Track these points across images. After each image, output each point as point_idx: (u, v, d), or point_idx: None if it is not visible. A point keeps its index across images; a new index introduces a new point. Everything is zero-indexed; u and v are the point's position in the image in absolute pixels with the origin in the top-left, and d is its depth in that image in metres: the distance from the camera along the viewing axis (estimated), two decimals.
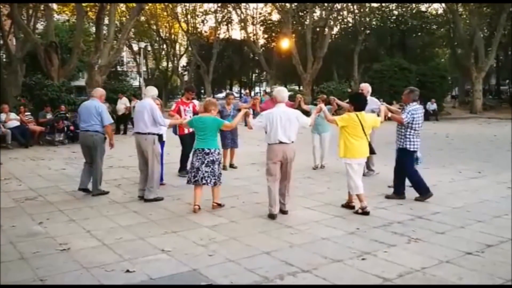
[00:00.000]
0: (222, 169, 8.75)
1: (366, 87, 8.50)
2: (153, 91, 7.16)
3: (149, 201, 6.61)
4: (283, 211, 5.95)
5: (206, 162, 5.99)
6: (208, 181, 6.01)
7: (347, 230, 5.29)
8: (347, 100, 7.15)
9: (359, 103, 6.12)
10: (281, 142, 5.72)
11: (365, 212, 5.91)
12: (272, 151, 5.79)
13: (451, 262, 4.31)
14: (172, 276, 4.03)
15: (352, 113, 5.99)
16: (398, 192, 6.78)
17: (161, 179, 7.59)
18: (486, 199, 6.76)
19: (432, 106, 23.88)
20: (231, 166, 9.39)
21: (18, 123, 13.42)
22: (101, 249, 4.72)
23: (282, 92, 6.01)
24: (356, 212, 6.00)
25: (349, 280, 3.96)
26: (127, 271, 4.12)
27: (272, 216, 5.79)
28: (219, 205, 6.23)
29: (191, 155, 6.49)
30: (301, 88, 31.63)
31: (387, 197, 6.80)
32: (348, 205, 6.22)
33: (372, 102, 7.72)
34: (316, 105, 9.38)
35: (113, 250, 4.66)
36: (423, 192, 6.67)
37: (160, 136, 7.13)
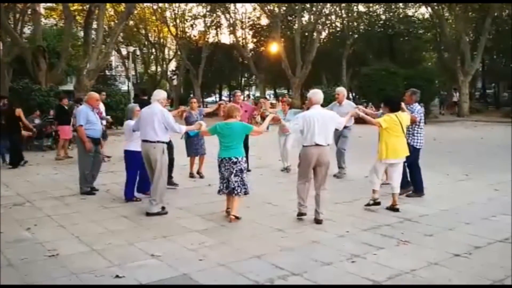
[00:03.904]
0: (190, 177, 8.71)
1: (342, 91, 8.94)
2: (161, 94, 6.52)
3: (152, 215, 6.09)
4: (317, 220, 5.72)
5: (235, 171, 5.72)
6: (239, 190, 5.75)
7: (337, 233, 5.31)
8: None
9: (393, 104, 6.42)
10: (317, 145, 5.64)
11: (376, 203, 6.27)
12: (308, 153, 5.69)
13: (439, 264, 4.36)
14: (162, 281, 4.02)
15: (392, 114, 6.27)
16: (418, 190, 7.08)
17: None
18: (473, 201, 6.84)
19: None
20: (199, 174, 8.76)
21: None
22: (90, 255, 4.68)
23: (317, 94, 5.95)
24: (367, 204, 6.31)
25: (339, 283, 3.98)
26: (117, 276, 4.10)
27: (301, 215, 5.80)
28: (237, 218, 5.83)
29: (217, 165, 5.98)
30: (290, 92, 31.74)
31: (407, 195, 6.94)
32: (375, 203, 6.33)
33: (349, 105, 8.38)
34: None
35: (102, 256, 4.63)
36: (404, 186, 6.90)
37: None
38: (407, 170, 7.05)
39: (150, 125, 6.18)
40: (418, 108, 7.06)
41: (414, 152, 6.82)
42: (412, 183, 7.13)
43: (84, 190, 7.46)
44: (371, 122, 6.53)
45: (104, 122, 11.14)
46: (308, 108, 6.09)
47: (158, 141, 6.18)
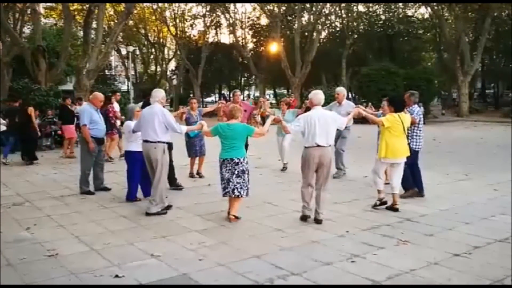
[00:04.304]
0: (189, 177, 8.71)
1: (342, 91, 8.96)
2: (159, 94, 6.44)
3: (151, 215, 6.06)
4: (317, 220, 5.70)
5: (236, 172, 5.65)
6: (242, 192, 5.68)
7: (337, 233, 5.31)
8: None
9: (397, 104, 6.42)
10: (318, 146, 5.63)
11: (383, 203, 6.31)
12: (309, 155, 5.67)
13: (439, 264, 4.35)
14: (161, 281, 4.01)
15: (395, 114, 6.28)
16: (418, 190, 7.09)
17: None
18: (473, 201, 6.84)
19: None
20: (198, 174, 8.83)
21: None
22: (89, 255, 4.68)
23: (318, 94, 5.95)
24: (374, 205, 6.35)
25: (339, 283, 3.98)
26: (116, 276, 4.09)
27: (305, 218, 5.78)
28: (237, 218, 5.82)
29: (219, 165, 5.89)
30: (290, 92, 31.76)
31: (403, 196, 6.85)
32: (382, 203, 6.35)
33: (348, 105, 8.43)
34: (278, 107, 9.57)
35: (101, 256, 4.62)
36: (409, 188, 6.98)
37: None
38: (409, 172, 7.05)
39: (151, 125, 6.15)
40: (418, 110, 7.09)
41: (413, 154, 6.84)
42: (403, 181, 7.05)
43: (84, 189, 7.45)
44: (374, 120, 6.57)
45: (119, 122, 11.20)
46: (306, 108, 6.07)
47: (158, 141, 6.15)
